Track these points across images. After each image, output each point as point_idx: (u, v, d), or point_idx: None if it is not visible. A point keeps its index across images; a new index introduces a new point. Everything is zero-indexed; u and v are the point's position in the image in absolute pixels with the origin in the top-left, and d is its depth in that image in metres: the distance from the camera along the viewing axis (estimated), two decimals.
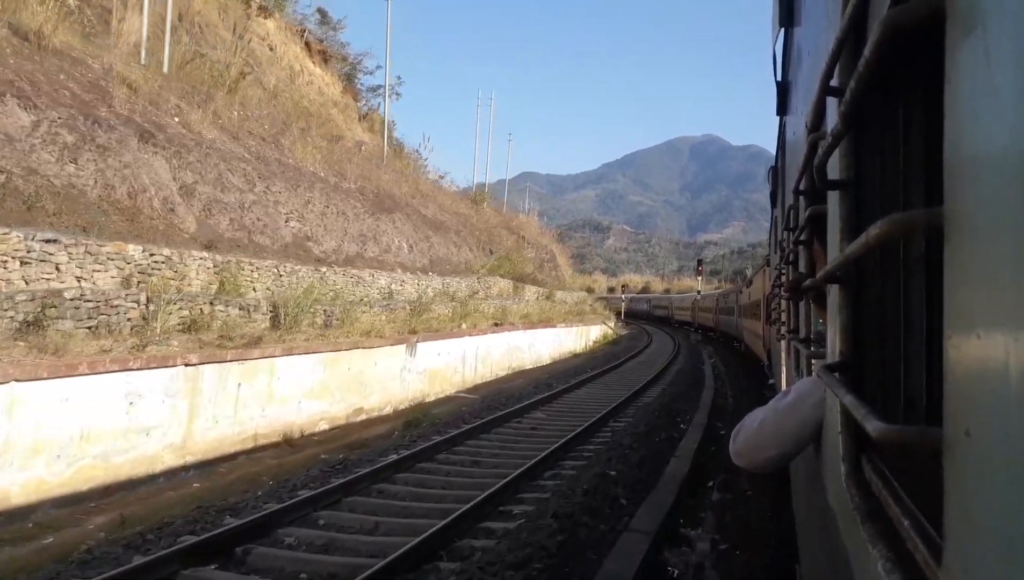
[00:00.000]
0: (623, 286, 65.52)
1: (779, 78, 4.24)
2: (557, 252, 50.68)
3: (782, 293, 4.32)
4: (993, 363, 0.52)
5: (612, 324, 45.36)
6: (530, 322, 26.96)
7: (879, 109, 1.29)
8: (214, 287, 13.65)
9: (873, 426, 0.80)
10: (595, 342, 37.30)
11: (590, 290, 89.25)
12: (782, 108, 4.33)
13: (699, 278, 45.11)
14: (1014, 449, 0.48)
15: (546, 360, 27.45)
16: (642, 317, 65.17)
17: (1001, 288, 0.51)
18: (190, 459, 10.57)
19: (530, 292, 32.42)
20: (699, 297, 47.78)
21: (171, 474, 10.11)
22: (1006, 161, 0.50)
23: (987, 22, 0.55)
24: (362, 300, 18.21)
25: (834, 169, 1.38)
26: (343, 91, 35.03)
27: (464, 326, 21.10)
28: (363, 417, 14.92)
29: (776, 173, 5.66)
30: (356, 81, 38.21)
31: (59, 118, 13.39)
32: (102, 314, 10.55)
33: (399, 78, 40.73)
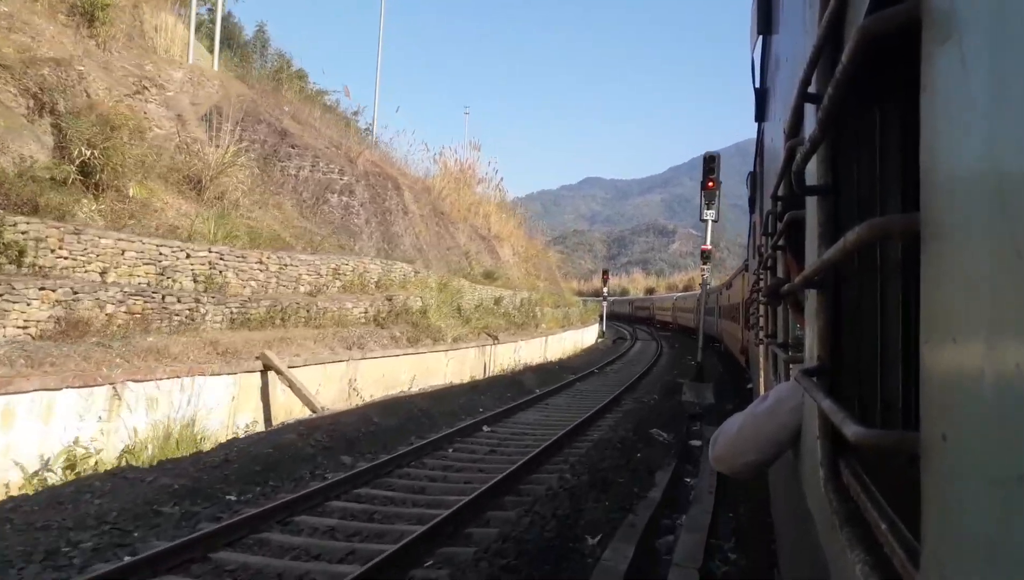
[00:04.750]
0: (604, 274, 47.51)
1: (758, 85, 4.29)
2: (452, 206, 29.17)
3: (760, 297, 4.36)
4: (969, 368, 0.53)
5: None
6: None
7: (856, 115, 1.31)
8: None
9: (851, 430, 0.81)
10: None
11: (624, 291, 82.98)
12: (761, 114, 4.37)
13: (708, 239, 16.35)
14: (990, 453, 0.48)
15: None
16: (624, 319, 65.08)
17: (977, 294, 0.52)
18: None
19: None
20: (677, 298, 47.42)
21: None
22: (982, 167, 0.51)
23: (962, 30, 0.55)
24: None
25: (812, 175, 1.39)
26: None
27: None
28: None
29: (755, 179, 5.71)
30: None
31: None
32: None
33: None
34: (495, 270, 29.27)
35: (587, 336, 37.19)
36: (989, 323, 0.49)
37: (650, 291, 72.70)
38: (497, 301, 24.67)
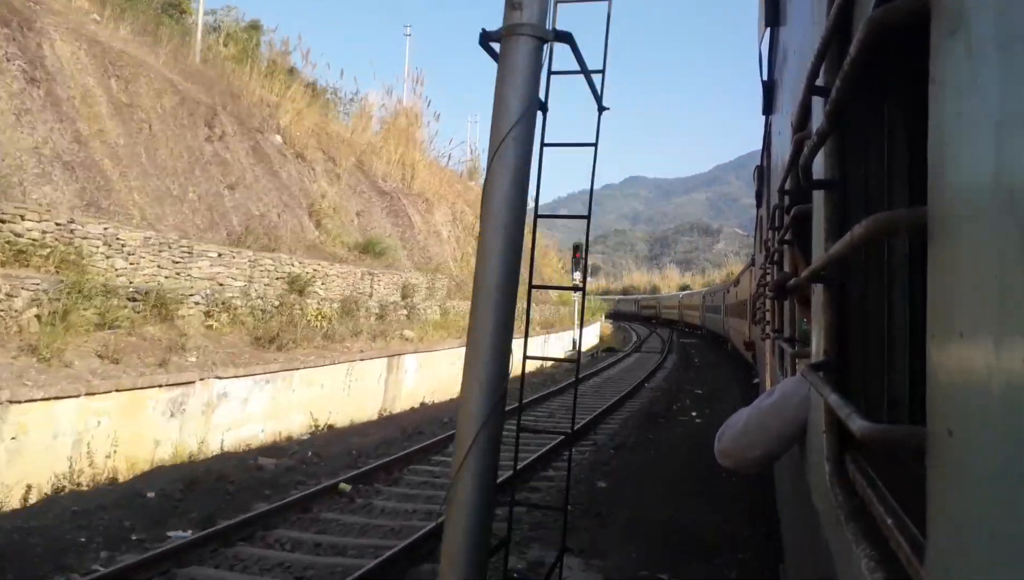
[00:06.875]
0: (575, 253, 27.26)
1: (765, 78, 4.27)
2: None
3: (767, 292, 4.35)
4: (976, 363, 0.52)
5: None
6: None
7: (864, 109, 1.30)
8: None
9: (857, 425, 0.81)
10: None
11: (655, 290, 79.70)
12: (768, 107, 4.35)
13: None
14: (996, 448, 0.48)
15: None
16: (630, 317, 64.79)
17: (984, 288, 0.51)
18: None
19: None
20: (683, 296, 47.39)
21: None
22: (990, 161, 0.50)
23: (971, 22, 0.54)
24: None
25: (819, 169, 1.38)
26: None
27: None
28: None
29: (762, 172, 5.69)
30: None
31: None
32: None
33: None
34: (382, 241, 19.32)
35: (549, 349, 25.96)
36: (997, 318, 0.48)
37: (683, 289, 71.70)
38: (294, 283, 13.67)
